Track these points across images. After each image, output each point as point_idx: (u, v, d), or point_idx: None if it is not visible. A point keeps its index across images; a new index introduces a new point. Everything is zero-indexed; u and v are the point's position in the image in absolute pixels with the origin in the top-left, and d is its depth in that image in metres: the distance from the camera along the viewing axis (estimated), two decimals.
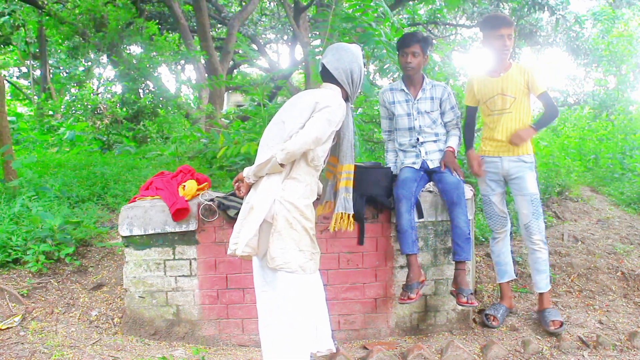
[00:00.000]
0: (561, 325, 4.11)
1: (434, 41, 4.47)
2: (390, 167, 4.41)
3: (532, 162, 4.22)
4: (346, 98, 3.27)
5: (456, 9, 13.60)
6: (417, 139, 4.33)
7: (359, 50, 3.31)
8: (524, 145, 4.18)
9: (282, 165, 3.04)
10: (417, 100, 4.30)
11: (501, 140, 4.21)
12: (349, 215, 3.39)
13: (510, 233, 4.62)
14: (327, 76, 3.28)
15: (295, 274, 3.02)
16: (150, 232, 4.12)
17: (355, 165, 3.43)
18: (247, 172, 3.18)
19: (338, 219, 3.38)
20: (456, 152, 4.33)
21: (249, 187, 3.22)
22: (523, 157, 4.19)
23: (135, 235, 4.12)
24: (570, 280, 4.88)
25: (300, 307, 3.04)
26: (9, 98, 19.13)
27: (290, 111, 3.16)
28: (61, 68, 20.03)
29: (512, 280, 4.56)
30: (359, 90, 3.35)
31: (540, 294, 4.33)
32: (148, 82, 13.53)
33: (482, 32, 4.22)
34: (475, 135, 4.65)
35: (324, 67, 3.29)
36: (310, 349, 3.13)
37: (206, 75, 11.92)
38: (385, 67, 5.36)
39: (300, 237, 3.03)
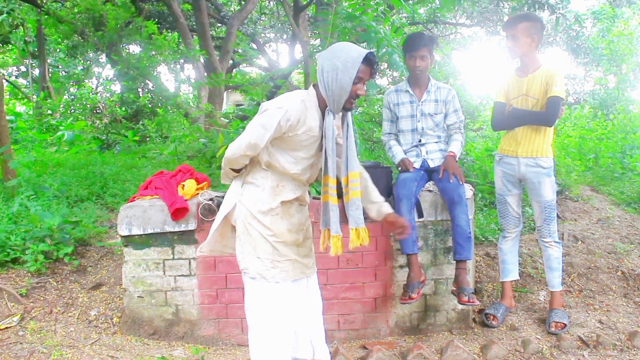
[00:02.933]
0: (563, 328, 4.11)
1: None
2: (389, 167, 4.40)
3: (549, 167, 4.16)
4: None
5: (456, 8, 13.58)
6: (420, 140, 4.31)
7: (349, 50, 2.75)
8: (542, 147, 4.14)
9: (234, 170, 2.98)
10: (422, 102, 4.28)
11: (520, 141, 4.19)
12: (333, 235, 2.95)
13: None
14: None
15: (256, 280, 2.91)
16: (150, 231, 4.11)
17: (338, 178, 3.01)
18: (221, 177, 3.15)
19: (325, 236, 3.04)
20: (457, 157, 4.26)
21: None
22: (540, 160, 4.14)
23: (134, 235, 4.11)
24: (570, 279, 4.88)
25: (259, 314, 2.91)
26: (8, 97, 19.10)
27: None
28: (60, 67, 20.03)
29: (514, 281, 4.55)
30: (339, 98, 2.76)
31: (552, 293, 4.33)
32: (147, 81, 13.53)
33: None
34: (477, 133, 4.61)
35: None
36: (301, 355, 3.02)
37: (205, 74, 11.92)
38: (388, 65, 5.33)
39: (257, 244, 2.89)
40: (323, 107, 2.85)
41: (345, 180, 2.94)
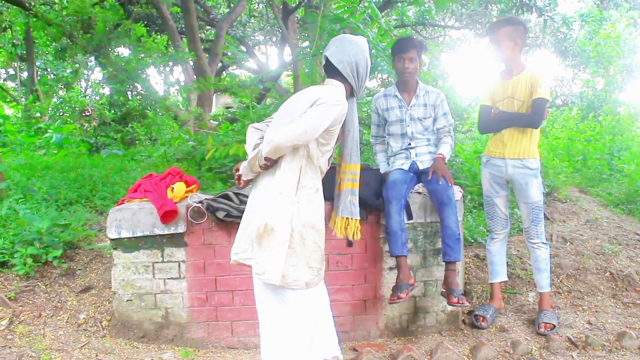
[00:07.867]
0: (552, 328, 4.13)
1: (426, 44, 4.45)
2: (379, 169, 4.41)
3: (536, 169, 4.17)
4: (352, 93, 3.06)
5: (445, 11, 13.62)
6: (409, 144, 4.32)
7: (364, 41, 3.05)
8: (529, 148, 4.15)
9: (267, 159, 2.81)
10: (411, 106, 4.28)
11: (506, 143, 4.21)
12: (356, 220, 3.18)
13: None
14: (330, 70, 3.03)
15: (299, 290, 2.85)
16: (139, 234, 4.09)
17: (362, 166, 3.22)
18: (243, 169, 2.99)
19: (344, 224, 3.17)
20: (447, 159, 4.27)
21: (248, 183, 3.05)
22: (527, 161, 4.15)
23: (123, 238, 4.10)
24: (559, 280, 4.90)
25: (298, 322, 2.87)
26: None
27: (294, 108, 2.92)
28: (49, 70, 19.93)
29: (503, 282, 4.56)
30: (365, 85, 3.11)
31: (541, 294, 4.35)
32: (136, 84, 13.48)
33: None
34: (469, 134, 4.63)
35: (327, 60, 3.03)
36: (315, 356, 2.99)
37: (194, 77, 11.90)
38: (378, 67, 5.34)
39: (311, 254, 2.85)
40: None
41: (345, 167, 3.15)
